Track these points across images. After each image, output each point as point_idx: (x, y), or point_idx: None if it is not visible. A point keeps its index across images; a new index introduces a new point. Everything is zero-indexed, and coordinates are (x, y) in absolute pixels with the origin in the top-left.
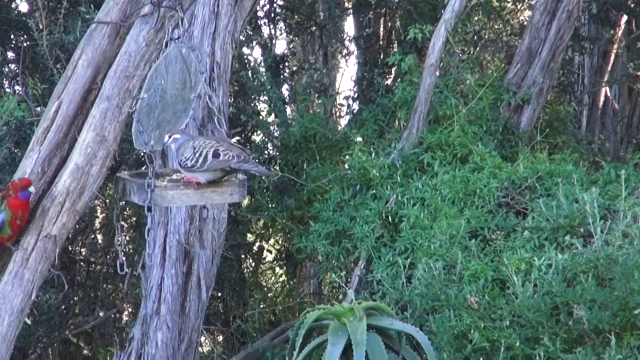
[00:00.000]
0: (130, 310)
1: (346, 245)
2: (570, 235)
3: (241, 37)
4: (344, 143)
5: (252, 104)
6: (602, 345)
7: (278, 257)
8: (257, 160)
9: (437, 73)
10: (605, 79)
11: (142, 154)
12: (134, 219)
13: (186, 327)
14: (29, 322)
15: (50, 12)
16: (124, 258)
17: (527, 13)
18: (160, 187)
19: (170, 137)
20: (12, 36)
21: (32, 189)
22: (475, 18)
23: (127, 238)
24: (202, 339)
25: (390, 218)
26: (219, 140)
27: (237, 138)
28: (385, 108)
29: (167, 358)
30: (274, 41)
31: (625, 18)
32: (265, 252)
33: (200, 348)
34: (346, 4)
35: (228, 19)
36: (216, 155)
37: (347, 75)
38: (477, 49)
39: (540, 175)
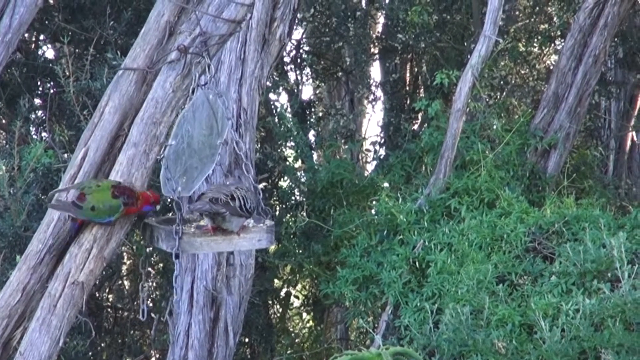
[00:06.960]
0: (157, 356)
1: (373, 291)
2: (597, 280)
3: (268, 83)
4: (371, 188)
5: (279, 150)
6: None
7: (305, 302)
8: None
9: (464, 118)
10: (632, 123)
11: (169, 200)
12: (161, 264)
13: None
14: None
15: (77, 59)
16: (149, 304)
17: (554, 58)
18: (188, 234)
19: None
20: (38, 83)
21: (158, 207)
22: (502, 63)
23: (155, 284)
24: None
25: (417, 263)
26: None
27: (264, 184)
28: (412, 153)
29: None
30: (300, 87)
31: None
32: (292, 297)
33: None
34: (372, 50)
35: (254, 65)
36: None
37: (373, 121)
38: (504, 94)
39: (567, 220)
